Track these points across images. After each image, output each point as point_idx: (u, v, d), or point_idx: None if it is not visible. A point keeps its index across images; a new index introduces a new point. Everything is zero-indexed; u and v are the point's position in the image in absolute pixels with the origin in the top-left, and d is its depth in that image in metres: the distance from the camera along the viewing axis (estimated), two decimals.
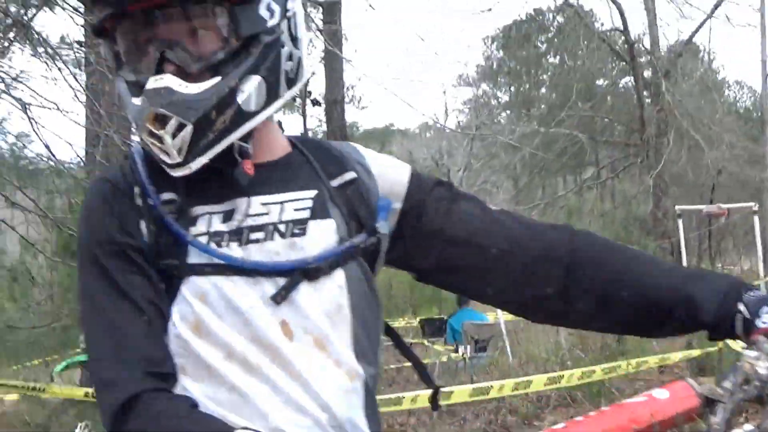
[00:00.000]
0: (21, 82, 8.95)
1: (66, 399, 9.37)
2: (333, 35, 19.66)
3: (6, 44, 10.31)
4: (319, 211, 2.17)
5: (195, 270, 2.09)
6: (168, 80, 1.99)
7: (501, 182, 29.10)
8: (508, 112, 30.43)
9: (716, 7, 20.36)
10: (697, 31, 21.89)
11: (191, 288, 2.07)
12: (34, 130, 9.58)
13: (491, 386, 8.79)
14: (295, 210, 2.19)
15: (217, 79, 2.01)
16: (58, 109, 9.22)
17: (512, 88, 31.66)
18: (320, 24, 20.08)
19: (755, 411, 1.81)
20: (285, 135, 2.29)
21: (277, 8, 2.09)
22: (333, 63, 20.51)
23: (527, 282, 2.16)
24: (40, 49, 8.88)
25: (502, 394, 9.01)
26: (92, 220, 2.19)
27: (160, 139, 1.99)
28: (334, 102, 20.13)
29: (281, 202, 2.18)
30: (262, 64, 2.07)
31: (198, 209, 2.12)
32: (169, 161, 2.03)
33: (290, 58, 2.16)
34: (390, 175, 2.25)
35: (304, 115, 28.74)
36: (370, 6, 14.08)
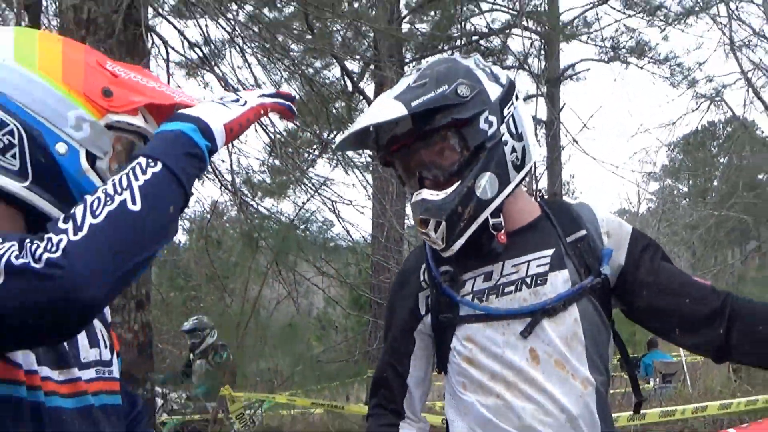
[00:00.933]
0: (328, 186, 10.17)
1: (361, 414, 10.07)
2: (552, 138, 19.65)
3: (314, 158, 11.39)
4: (556, 264, 2.20)
5: (465, 320, 2.24)
6: (423, 194, 2.14)
7: (681, 253, 31.49)
8: (688, 199, 29.66)
9: None
10: None
11: (462, 333, 2.25)
12: (338, 219, 10.26)
13: (676, 410, 9.14)
14: (538, 266, 2.22)
15: (458, 183, 2.11)
16: (352, 204, 10.07)
17: (690, 182, 30.34)
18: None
19: None
20: (539, 201, 2.36)
21: (494, 119, 2.13)
22: (554, 166, 20.28)
23: (705, 326, 2.17)
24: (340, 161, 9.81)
25: (684, 416, 9.28)
26: (391, 294, 2.50)
27: (427, 235, 2.17)
28: (554, 194, 19.13)
29: (527, 261, 2.22)
30: (490, 162, 2.12)
31: (466, 275, 2.24)
32: (437, 248, 2.20)
33: (514, 149, 2.17)
34: (616, 232, 2.27)
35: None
36: (586, 127, 14.85)
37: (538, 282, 2.16)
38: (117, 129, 1.73)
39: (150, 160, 1.53)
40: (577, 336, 2.14)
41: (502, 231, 2.13)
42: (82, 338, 1.81)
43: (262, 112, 1.76)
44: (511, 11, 17.58)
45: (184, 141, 1.58)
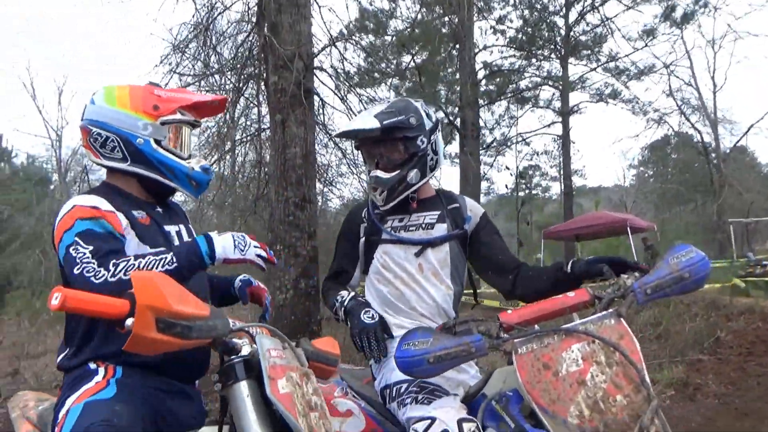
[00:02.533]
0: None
1: None
2: (564, 144, 18.31)
3: None
4: (440, 219, 2.29)
5: (384, 241, 2.28)
6: (377, 173, 2.24)
7: (650, 209, 31.41)
8: (652, 179, 33.58)
9: (749, 129, 21.20)
10: (738, 141, 22.14)
11: (381, 249, 2.29)
12: None
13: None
14: (430, 219, 2.28)
15: (398, 171, 2.21)
16: None
17: (654, 169, 28.70)
18: None
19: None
20: (435, 189, 2.41)
21: (425, 140, 2.22)
22: (566, 159, 19.66)
23: (502, 275, 2.21)
24: None
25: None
26: (343, 225, 2.42)
27: (375, 196, 2.27)
28: (569, 176, 18.12)
29: (425, 215, 2.30)
30: (418, 164, 2.21)
31: (389, 217, 2.33)
32: (379, 204, 2.29)
33: (431, 159, 2.26)
34: (475, 210, 2.34)
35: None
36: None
37: (429, 227, 2.27)
38: (168, 123, 1.90)
39: (175, 259, 1.66)
40: (446, 261, 2.25)
41: (415, 200, 2.27)
42: (184, 235, 1.96)
43: (248, 262, 1.79)
44: (541, 77, 19.57)
45: (196, 256, 1.69)
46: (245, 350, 1.38)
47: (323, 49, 6.04)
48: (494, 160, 21.60)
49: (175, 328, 1.16)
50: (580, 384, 1.37)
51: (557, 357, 1.42)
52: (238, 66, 6.41)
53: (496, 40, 19.09)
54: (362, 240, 2.38)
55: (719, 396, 4.97)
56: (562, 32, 19.71)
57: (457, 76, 17.03)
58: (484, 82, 19.16)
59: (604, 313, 1.50)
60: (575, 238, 17.53)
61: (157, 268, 1.61)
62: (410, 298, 2.23)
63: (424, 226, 2.28)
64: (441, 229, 2.30)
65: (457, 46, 16.21)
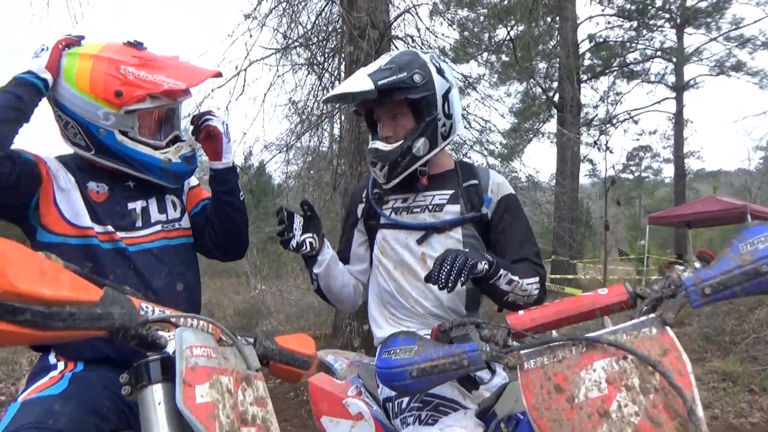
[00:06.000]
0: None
1: None
2: (678, 121, 18.41)
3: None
4: (451, 199, 1.95)
5: (384, 226, 2.01)
6: (377, 144, 1.94)
7: None
8: None
9: None
10: None
11: (381, 234, 2.02)
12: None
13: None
14: (439, 199, 1.96)
15: (402, 141, 1.90)
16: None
17: None
18: None
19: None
20: (455, 160, 2.09)
21: (434, 102, 1.86)
22: (679, 138, 19.10)
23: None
24: None
25: None
26: (349, 198, 2.23)
27: (375, 172, 1.97)
28: (681, 157, 17.04)
29: (433, 195, 1.97)
30: (426, 131, 1.87)
31: (390, 197, 2.04)
32: (380, 182, 2.00)
33: (444, 125, 1.90)
34: (497, 189, 1.95)
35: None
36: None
37: (437, 209, 1.93)
38: (134, 112, 1.69)
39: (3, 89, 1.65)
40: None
41: (426, 176, 1.94)
42: (153, 210, 1.83)
43: (59, 46, 1.71)
44: (653, 48, 17.84)
45: (20, 81, 1.58)
46: (170, 347, 1.09)
47: (398, 16, 5.79)
48: (597, 140, 19.82)
49: (23, 315, 0.86)
50: (602, 416, 1.06)
51: (573, 377, 1.11)
52: (322, 41, 6.34)
53: (603, 10, 17.96)
54: (361, 222, 2.10)
55: None
56: None
57: (558, 49, 16.10)
58: (587, 55, 18.04)
59: (644, 318, 1.17)
60: (687, 225, 16.42)
61: None
62: (412, 293, 1.93)
63: (430, 207, 1.95)
64: (452, 212, 1.94)
65: (557, 17, 16.14)
